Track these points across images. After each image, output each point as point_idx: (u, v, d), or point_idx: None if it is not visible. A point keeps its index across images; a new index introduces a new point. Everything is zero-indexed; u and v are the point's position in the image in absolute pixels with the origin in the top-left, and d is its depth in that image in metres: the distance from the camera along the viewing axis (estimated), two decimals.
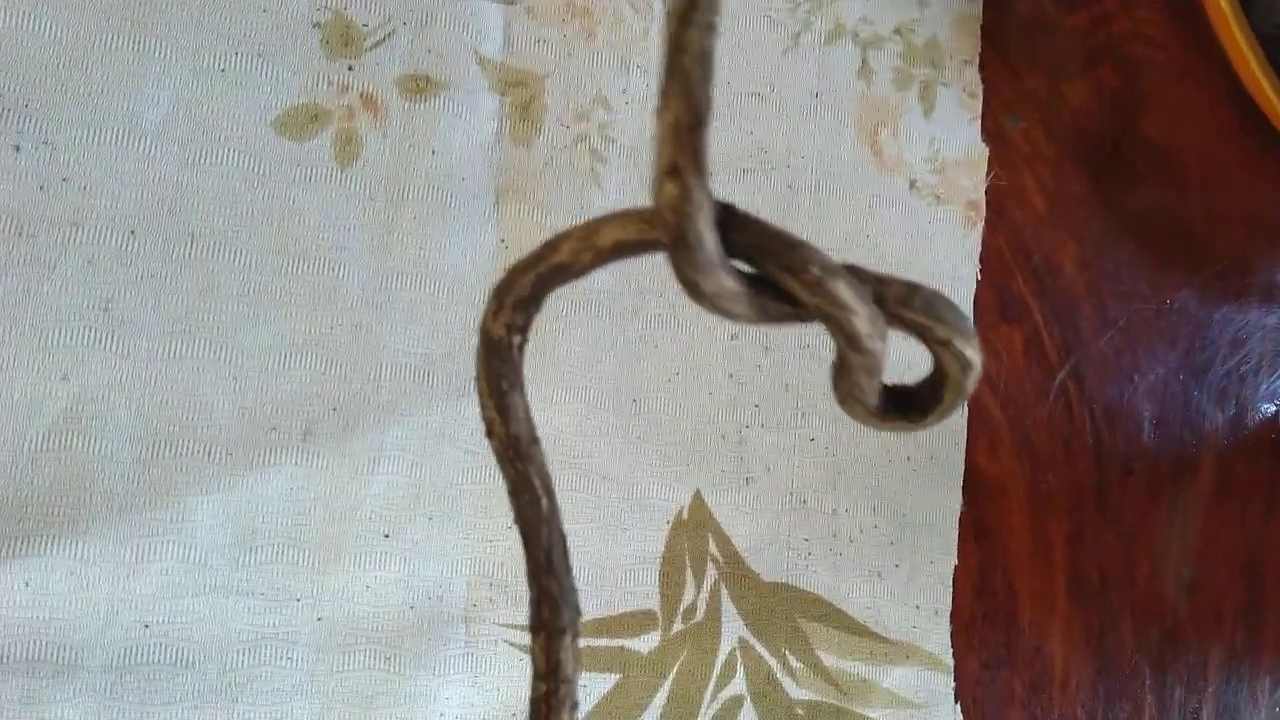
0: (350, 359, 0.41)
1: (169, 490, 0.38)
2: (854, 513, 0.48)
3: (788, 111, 0.50)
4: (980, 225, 0.55)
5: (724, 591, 0.45)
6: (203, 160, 0.40)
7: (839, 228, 0.51)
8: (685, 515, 0.45)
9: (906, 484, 0.51)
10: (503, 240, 0.44)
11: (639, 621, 0.44)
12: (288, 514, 0.40)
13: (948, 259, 0.53)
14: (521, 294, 0.19)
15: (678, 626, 0.44)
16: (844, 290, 0.17)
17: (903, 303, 0.17)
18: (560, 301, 0.46)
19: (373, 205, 0.42)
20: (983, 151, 0.54)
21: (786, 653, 0.46)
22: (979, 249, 0.54)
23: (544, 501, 0.22)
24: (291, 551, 0.40)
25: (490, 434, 0.21)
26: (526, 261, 0.19)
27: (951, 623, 0.50)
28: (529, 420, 0.21)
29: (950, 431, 0.53)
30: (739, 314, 0.17)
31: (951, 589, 0.50)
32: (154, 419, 0.39)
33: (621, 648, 0.44)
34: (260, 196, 0.41)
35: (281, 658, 0.39)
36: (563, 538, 0.22)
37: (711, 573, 0.45)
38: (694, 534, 0.45)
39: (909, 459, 0.52)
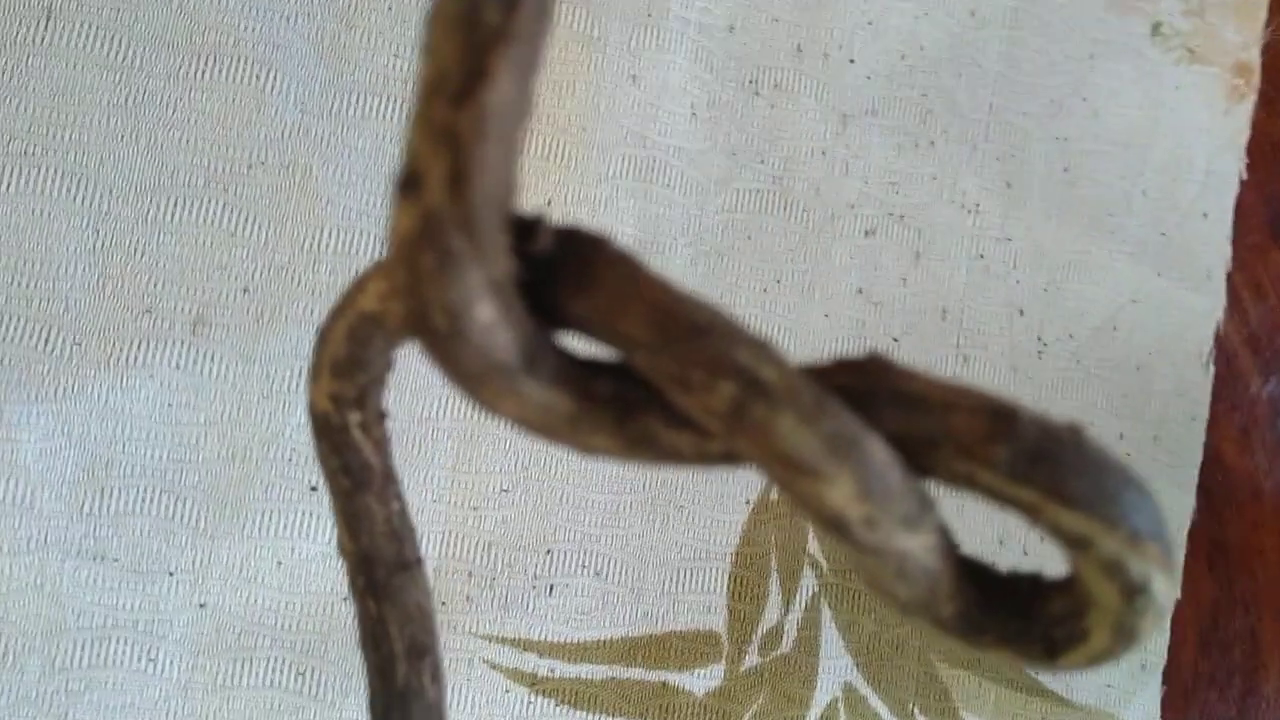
0: (274, 214, 0.29)
1: None
2: None
3: None
4: (1251, 99, 0.39)
5: (826, 612, 0.33)
6: None
7: (1045, 84, 0.36)
8: (774, 494, 0.33)
9: None
10: None
11: (695, 647, 0.32)
12: (162, 443, 0.29)
13: (1199, 144, 0.38)
14: (337, 353, 0.14)
15: (752, 659, 0.32)
16: (791, 434, 0.09)
17: (974, 453, 0.09)
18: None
19: None
20: None
21: (915, 711, 0.34)
22: (1246, 134, 0.39)
23: (401, 668, 0.16)
24: (165, 500, 0.29)
25: (340, 549, 0.16)
26: (338, 303, 0.14)
27: (1165, 683, 0.37)
28: (398, 535, 0.15)
29: (1185, 401, 0.36)
30: (598, 448, 0.11)
31: (1169, 634, 0.37)
32: None
33: (664, 684, 0.32)
34: None
35: (140, 658, 0.28)
36: None
37: (809, 582, 0.33)
38: (785, 523, 0.33)
39: (1121, 436, 0.36)
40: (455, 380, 0.10)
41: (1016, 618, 0.11)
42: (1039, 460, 0.10)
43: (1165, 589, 0.10)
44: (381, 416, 0.15)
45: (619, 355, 0.11)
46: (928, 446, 0.10)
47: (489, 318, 0.09)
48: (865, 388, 0.10)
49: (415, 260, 0.09)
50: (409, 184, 0.09)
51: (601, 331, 0.10)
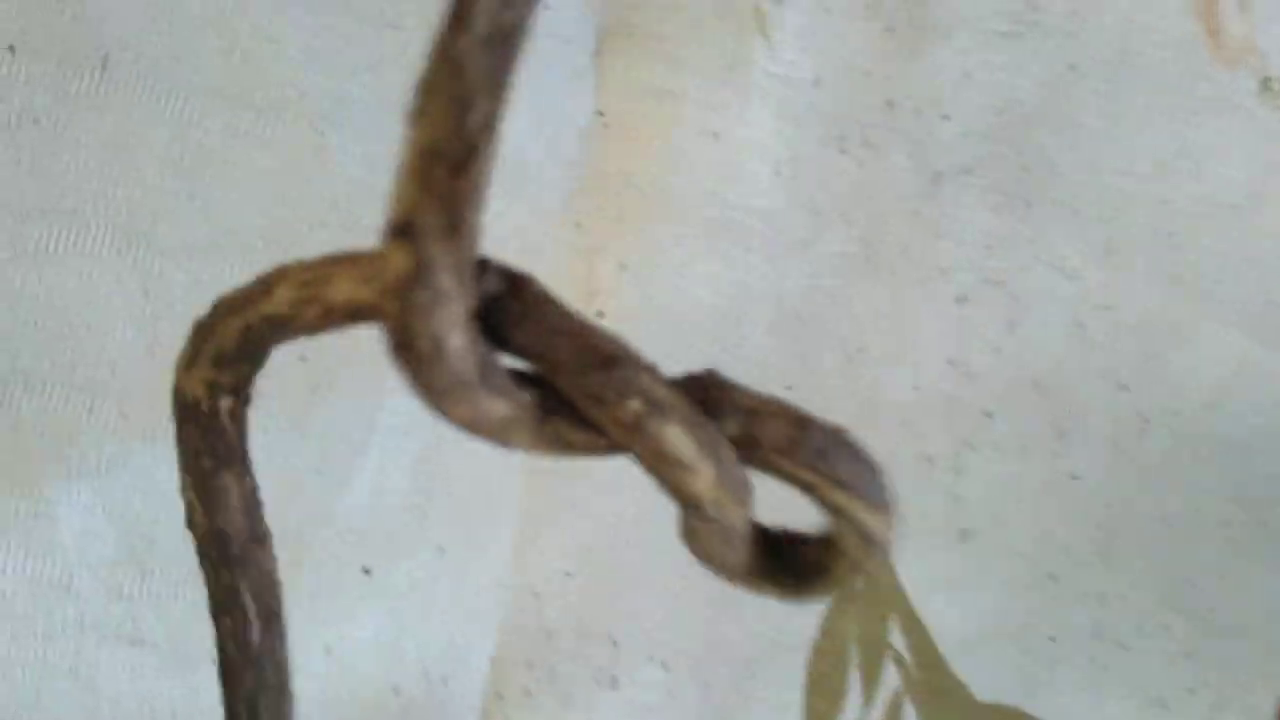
0: None
1: (19, 465, 0.26)
2: (1133, 600, 0.33)
3: None
4: None
5: (910, 711, 0.32)
6: None
7: (1147, 142, 0.34)
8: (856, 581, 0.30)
9: (1220, 560, 0.34)
10: (601, 112, 0.31)
11: None
12: None
13: None
14: (224, 347, 0.15)
15: None
16: (676, 440, 0.13)
17: (782, 450, 0.14)
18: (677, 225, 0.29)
19: (394, 38, 0.29)
20: None
21: None
22: None
23: (254, 629, 0.17)
24: None
25: (189, 523, 0.17)
26: (232, 301, 0.15)
27: None
28: (251, 510, 0.17)
29: None
30: (517, 443, 0.14)
31: None
32: (6, 346, 0.26)
33: None
34: (212, 10, 0.28)
35: None
36: (282, 685, 0.18)
37: (892, 679, 0.31)
38: (867, 612, 0.31)
39: (1228, 522, 0.33)
40: (423, 392, 0.12)
41: (781, 557, 0.16)
42: (823, 455, 0.14)
43: (887, 536, 0.15)
44: (248, 401, 0.16)
45: (541, 371, 0.13)
46: (750, 443, 0.14)
47: (462, 344, 0.12)
48: (710, 399, 0.14)
49: (408, 295, 0.11)
50: (404, 229, 0.11)
51: (533, 355, 0.13)
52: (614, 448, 0.14)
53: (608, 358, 0.13)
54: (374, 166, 0.28)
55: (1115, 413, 0.33)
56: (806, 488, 0.14)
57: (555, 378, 0.13)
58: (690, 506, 0.14)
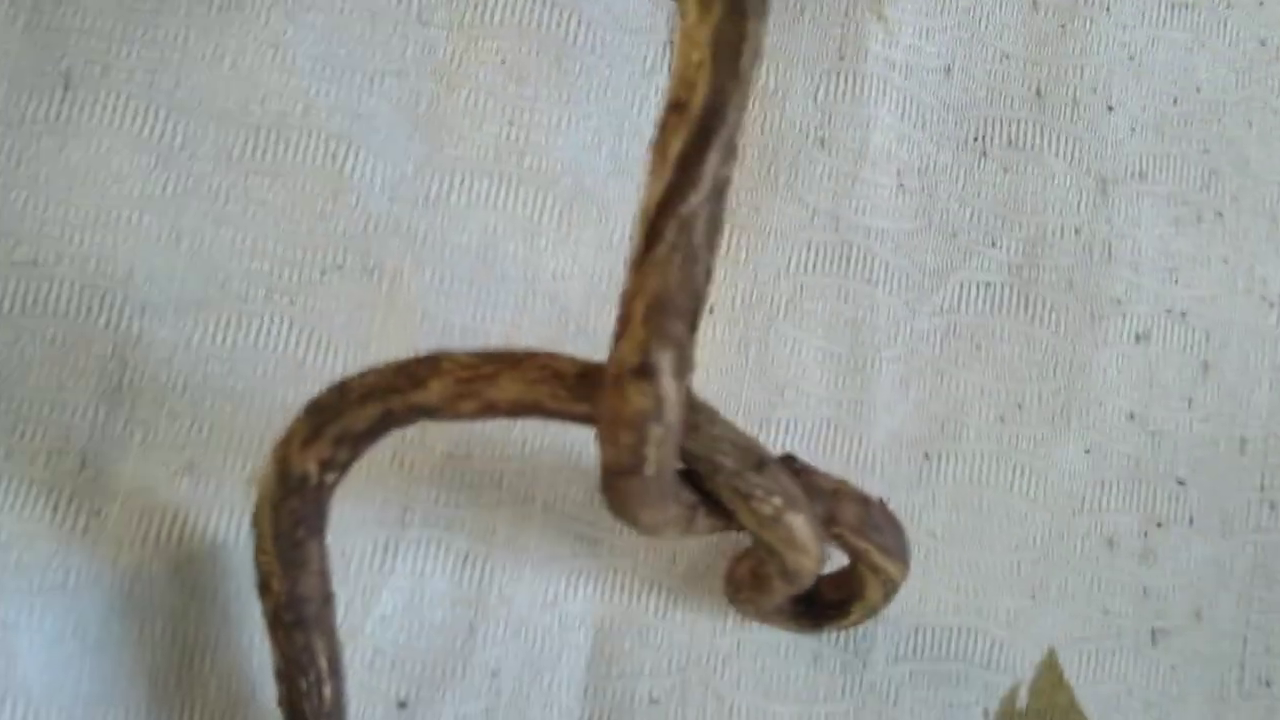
0: (354, 333, 0.23)
1: None
2: None
3: None
4: None
5: None
6: None
7: None
8: (1023, 699, 0.25)
9: None
10: None
11: None
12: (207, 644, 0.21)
13: None
14: (354, 428, 0.16)
15: None
16: (802, 529, 0.16)
17: (853, 528, 0.17)
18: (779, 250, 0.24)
19: (421, 36, 0.24)
20: None
21: None
22: None
23: (327, 689, 0.18)
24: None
25: (264, 590, 0.18)
26: (371, 384, 0.16)
27: None
28: (325, 574, 0.18)
29: None
30: (671, 535, 0.16)
31: None
32: None
33: None
34: (198, 9, 0.23)
35: None
36: None
37: None
38: None
39: None
40: (627, 505, 0.14)
41: (803, 604, 0.20)
42: (878, 529, 0.17)
43: (902, 583, 0.18)
44: (342, 478, 0.17)
45: (697, 470, 0.15)
46: (831, 521, 0.17)
47: (675, 465, 0.14)
48: (811, 483, 0.17)
49: (645, 429, 0.13)
50: (642, 371, 0.13)
51: (697, 459, 0.15)
52: (737, 529, 0.16)
53: (759, 461, 0.15)
54: (398, 195, 0.22)
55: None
56: (858, 554, 0.17)
57: (711, 477, 0.15)
58: (791, 577, 0.17)
